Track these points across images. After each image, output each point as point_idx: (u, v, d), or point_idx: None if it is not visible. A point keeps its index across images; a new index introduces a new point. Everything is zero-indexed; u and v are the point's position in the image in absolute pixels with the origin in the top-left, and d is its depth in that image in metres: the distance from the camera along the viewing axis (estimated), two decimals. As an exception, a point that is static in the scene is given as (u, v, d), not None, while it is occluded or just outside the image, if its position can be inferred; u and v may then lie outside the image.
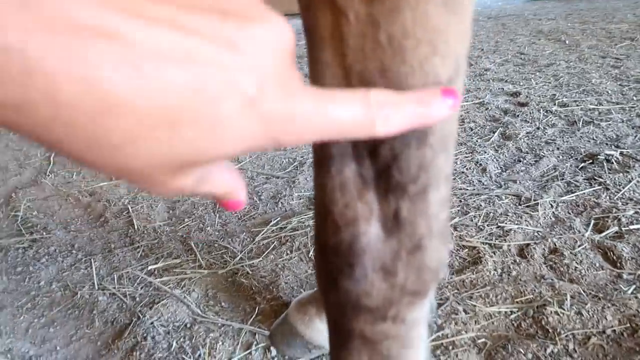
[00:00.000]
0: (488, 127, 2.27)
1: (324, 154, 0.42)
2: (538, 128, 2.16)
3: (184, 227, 1.68)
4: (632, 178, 1.61)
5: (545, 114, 2.32)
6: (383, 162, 0.40)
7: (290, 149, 2.25)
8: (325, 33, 0.38)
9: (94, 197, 2.00)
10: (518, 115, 2.35)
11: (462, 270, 1.27)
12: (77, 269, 1.48)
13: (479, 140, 2.12)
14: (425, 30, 0.36)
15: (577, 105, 2.38)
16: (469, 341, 1.05)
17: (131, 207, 1.85)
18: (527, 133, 2.12)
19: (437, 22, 0.36)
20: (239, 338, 1.13)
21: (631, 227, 1.35)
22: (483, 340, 1.05)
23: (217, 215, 1.74)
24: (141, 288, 1.36)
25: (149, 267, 1.45)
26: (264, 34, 0.23)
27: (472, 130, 2.25)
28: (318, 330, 0.99)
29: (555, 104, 2.42)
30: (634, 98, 2.38)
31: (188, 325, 1.19)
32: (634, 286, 1.14)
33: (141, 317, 1.22)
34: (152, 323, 1.19)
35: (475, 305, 1.13)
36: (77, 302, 1.32)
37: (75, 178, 2.22)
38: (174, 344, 1.13)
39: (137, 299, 1.31)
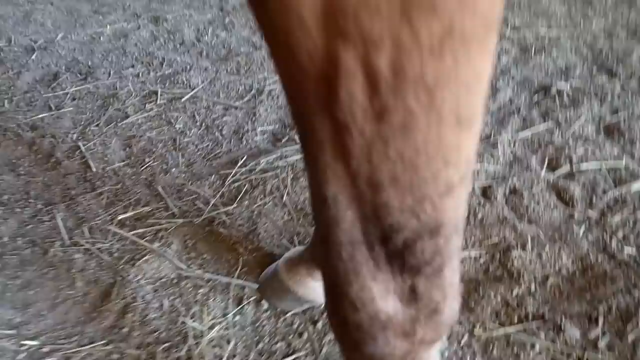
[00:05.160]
0: (444, 51, 2.27)
1: (333, 240, 0.43)
2: (492, 54, 2.20)
3: (146, 168, 1.62)
4: (580, 114, 1.72)
5: (498, 38, 2.34)
6: (395, 249, 0.42)
7: (245, 75, 2.15)
8: (324, 138, 0.38)
9: (36, 131, 1.84)
10: (472, 38, 2.36)
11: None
12: (40, 222, 1.41)
13: (436, 67, 2.13)
14: (438, 148, 0.36)
15: (528, 28, 2.42)
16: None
17: (82, 145, 1.74)
18: (483, 59, 2.16)
19: (450, 140, 0.36)
20: (229, 293, 1.17)
21: (581, 166, 1.48)
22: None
23: (180, 153, 1.68)
24: (117, 242, 1.33)
25: (119, 217, 1.41)
26: None
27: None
28: (310, 288, 1.05)
29: (508, 28, 2.45)
30: (581, 21, 2.45)
31: (175, 281, 1.21)
32: (584, 226, 1.28)
33: (125, 276, 1.21)
34: (138, 282, 1.20)
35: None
36: (50, 261, 1.28)
37: (8, 107, 2.02)
38: (166, 302, 1.15)
39: (116, 254, 1.29)
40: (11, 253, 1.31)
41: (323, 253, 0.47)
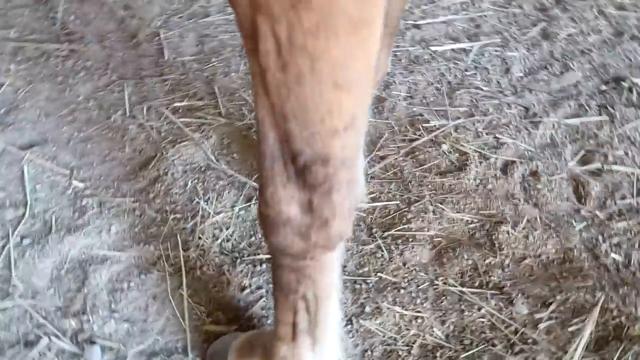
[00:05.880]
0: (532, 17, 2.18)
1: (261, 151, 0.58)
2: (582, 32, 2.09)
3: (210, 67, 1.79)
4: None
5: (597, 15, 2.20)
6: (299, 168, 0.56)
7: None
8: (255, 73, 0.51)
9: (128, 11, 2.05)
10: (569, 10, 2.23)
11: (445, 173, 1.43)
12: (111, 91, 1.65)
13: (516, 32, 2.07)
14: (322, 101, 0.50)
15: (635, 12, 2.24)
16: (428, 238, 1.26)
17: (163, 33, 1.93)
18: (568, 35, 2.06)
19: (331, 97, 0.50)
20: (243, 190, 1.35)
21: (613, 167, 1.46)
22: (439, 239, 1.26)
23: (243, 61, 1.83)
24: (166, 124, 1.54)
25: (175, 104, 1.61)
26: None
27: (514, 17, 2.17)
28: None
29: (612, 6, 2.28)
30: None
31: (202, 169, 1.40)
32: (584, 224, 1.30)
33: (164, 153, 1.42)
34: (173, 161, 1.40)
35: (444, 210, 1.32)
36: (110, 125, 1.52)
37: (112, -18, 2.24)
38: (189, 184, 1.35)
39: (162, 134, 1.50)
40: (82, 110, 1.56)
41: (257, 161, 0.61)
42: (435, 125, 1.59)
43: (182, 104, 1.61)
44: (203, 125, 1.54)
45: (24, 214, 1.24)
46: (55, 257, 1.16)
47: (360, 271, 1.19)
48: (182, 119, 1.55)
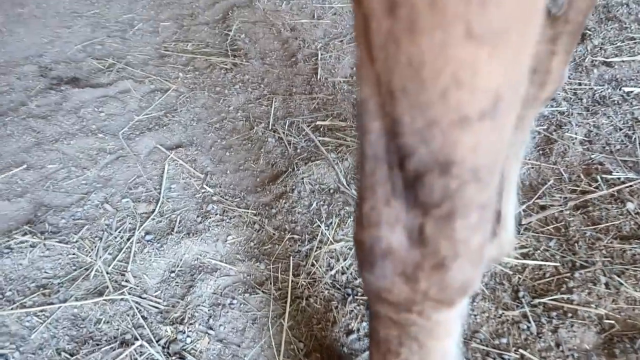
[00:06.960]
0: None
1: (362, 152, 0.42)
2: None
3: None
4: None
5: None
6: (409, 177, 0.39)
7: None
8: (358, 32, 0.37)
9: (293, 32, 2.09)
10: None
11: (629, 239, 1.11)
12: (260, 104, 1.65)
13: None
14: (445, 61, 0.31)
15: None
16: (595, 318, 0.96)
17: (320, 54, 1.91)
18: None
19: (459, 54, 0.31)
20: (370, 221, 1.20)
21: None
22: (611, 322, 0.95)
23: (395, 86, 1.71)
24: (304, 141, 1.47)
25: (317, 122, 1.55)
26: None
27: None
28: None
29: None
30: None
31: (330, 191, 1.29)
32: None
33: (295, 169, 1.35)
34: (302, 178, 1.32)
35: (622, 284, 1.01)
36: (251, 136, 1.51)
37: (284, 7, 2.32)
38: (314, 204, 1.25)
39: (298, 150, 1.44)
40: (230, 120, 1.58)
41: (357, 164, 0.47)
42: (619, 178, 1.27)
43: (324, 122, 1.55)
44: (340, 146, 1.44)
45: (153, 210, 1.26)
46: (170, 258, 1.14)
47: (497, 342, 0.94)
48: (320, 138, 1.47)
